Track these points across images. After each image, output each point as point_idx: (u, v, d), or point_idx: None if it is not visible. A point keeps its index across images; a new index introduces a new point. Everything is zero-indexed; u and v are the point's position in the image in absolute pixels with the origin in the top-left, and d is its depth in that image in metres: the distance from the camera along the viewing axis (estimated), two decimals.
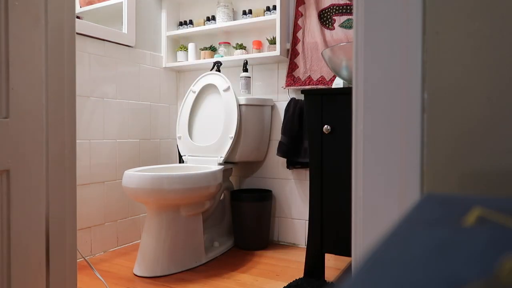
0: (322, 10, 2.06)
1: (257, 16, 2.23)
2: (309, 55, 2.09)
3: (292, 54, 2.13)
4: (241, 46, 2.30)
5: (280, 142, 2.05)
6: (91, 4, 2.26)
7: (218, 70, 2.20)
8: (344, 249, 1.49)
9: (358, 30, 0.58)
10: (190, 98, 2.20)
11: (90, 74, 2.00)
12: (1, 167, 0.76)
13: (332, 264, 1.87)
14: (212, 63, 2.25)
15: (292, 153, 2.05)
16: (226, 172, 2.06)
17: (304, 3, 2.11)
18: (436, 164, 0.53)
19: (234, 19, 2.34)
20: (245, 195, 2.08)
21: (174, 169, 1.99)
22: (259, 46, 2.24)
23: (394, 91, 0.55)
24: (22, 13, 0.79)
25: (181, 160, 2.35)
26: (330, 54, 1.56)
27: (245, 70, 2.18)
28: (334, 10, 2.03)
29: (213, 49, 2.42)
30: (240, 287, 1.60)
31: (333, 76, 2.01)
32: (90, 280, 1.66)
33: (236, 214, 2.11)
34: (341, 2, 2.01)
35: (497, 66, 0.49)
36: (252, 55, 2.19)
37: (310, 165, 1.55)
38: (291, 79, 2.12)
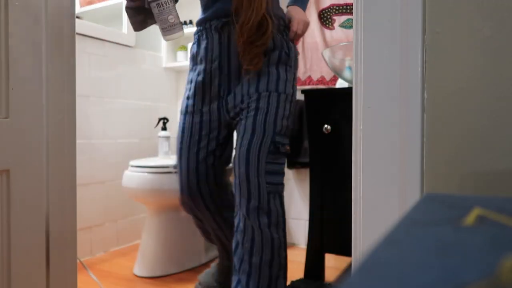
0: (322, 10, 2.06)
1: None
2: (309, 55, 2.08)
3: None
4: None
5: None
6: (91, 4, 2.26)
7: None
8: (344, 249, 1.49)
9: (358, 30, 0.58)
10: None
11: (90, 74, 2.00)
12: (1, 167, 0.76)
13: (332, 264, 1.87)
14: None
15: (292, 153, 2.05)
16: (226, 172, 2.05)
17: None
18: (436, 164, 0.53)
19: None
20: None
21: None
22: None
23: (394, 91, 0.55)
24: (22, 13, 0.79)
25: None
26: (330, 54, 1.56)
27: None
28: (334, 10, 2.03)
29: None
30: None
31: (333, 76, 2.01)
32: (90, 279, 1.66)
33: None
34: (341, 2, 2.01)
35: (497, 66, 0.49)
36: None
37: (310, 165, 1.55)
38: None
